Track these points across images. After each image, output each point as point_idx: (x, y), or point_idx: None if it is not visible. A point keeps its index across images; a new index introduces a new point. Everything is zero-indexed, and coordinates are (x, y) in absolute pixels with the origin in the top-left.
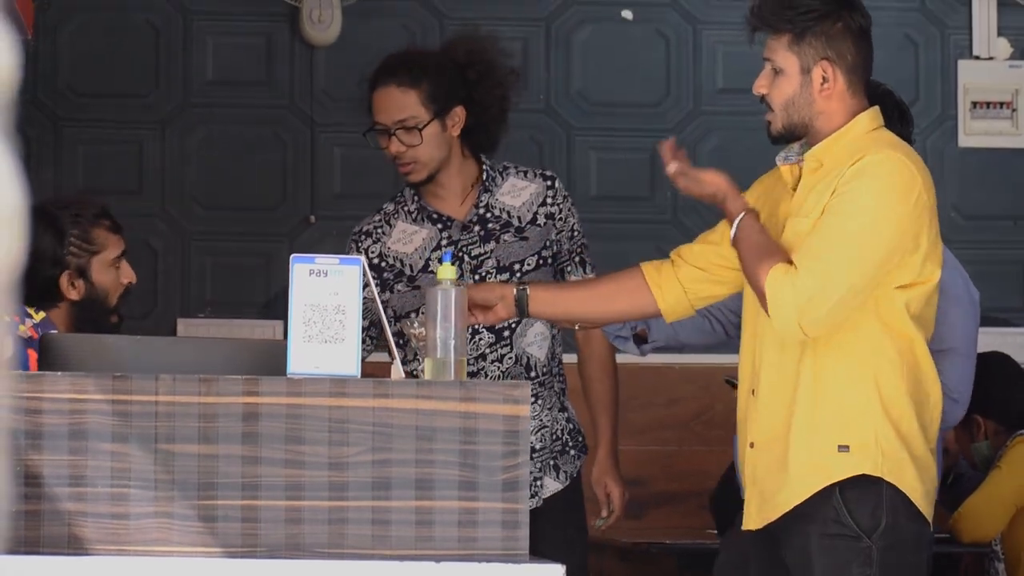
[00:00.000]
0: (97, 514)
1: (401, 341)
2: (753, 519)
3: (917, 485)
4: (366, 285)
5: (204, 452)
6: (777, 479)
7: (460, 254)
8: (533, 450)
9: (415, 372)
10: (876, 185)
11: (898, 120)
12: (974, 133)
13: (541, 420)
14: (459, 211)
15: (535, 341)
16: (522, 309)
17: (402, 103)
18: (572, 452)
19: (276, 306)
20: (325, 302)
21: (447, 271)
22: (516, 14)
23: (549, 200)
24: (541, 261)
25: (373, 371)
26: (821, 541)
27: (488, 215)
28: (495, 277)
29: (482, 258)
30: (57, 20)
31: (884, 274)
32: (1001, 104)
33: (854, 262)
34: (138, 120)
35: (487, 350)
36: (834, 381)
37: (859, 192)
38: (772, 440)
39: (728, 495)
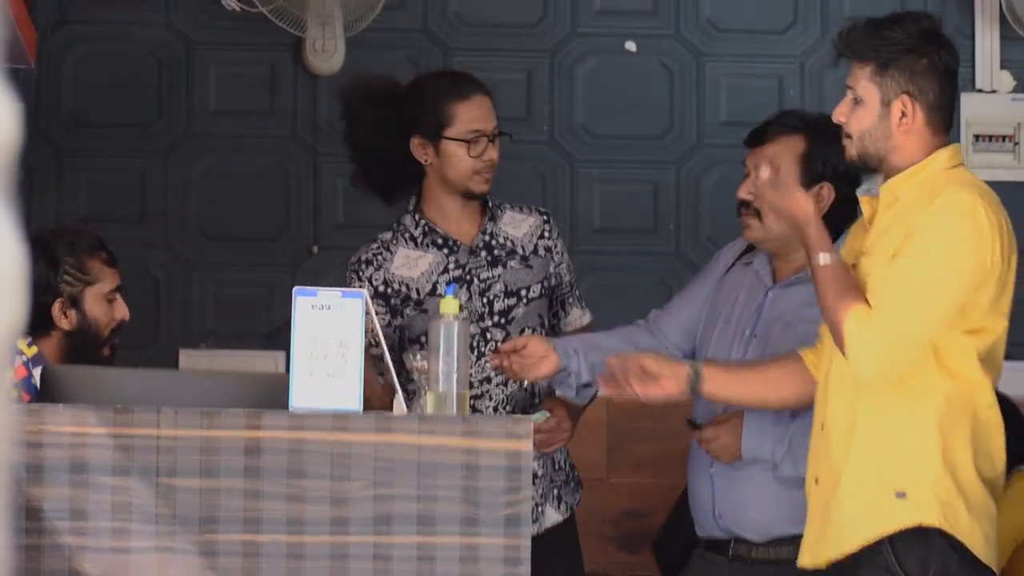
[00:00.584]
0: (98, 548)
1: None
2: (807, 557)
3: (975, 531)
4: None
5: (206, 486)
6: (835, 520)
7: (468, 277)
8: (535, 476)
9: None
10: (949, 231)
11: None
12: (976, 166)
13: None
14: (465, 236)
15: None
16: (694, 388)
17: (494, 113)
18: (572, 484)
19: (278, 336)
20: (327, 336)
21: (450, 304)
22: (520, 46)
23: (546, 234)
24: (544, 290)
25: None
26: None
27: (493, 242)
28: (503, 301)
29: (490, 282)
30: (60, 49)
31: (953, 318)
32: (1003, 137)
33: (928, 307)
34: (141, 149)
35: (492, 373)
36: (894, 424)
37: (933, 236)
38: (834, 478)
39: (674, 535)
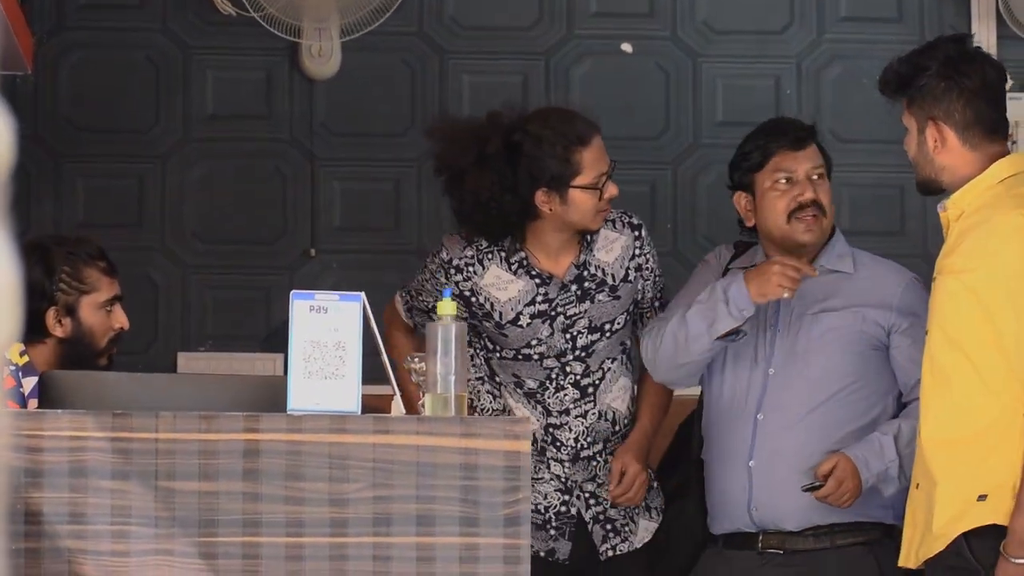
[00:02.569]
0: (98, 552)
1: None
2: (911, 558)
3: None
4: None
5: (205, 489)
6: (932, 523)
7: (554, 313)
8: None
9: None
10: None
11: None
12: None
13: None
14: (558, 267)
15: (619, 395)
16: None
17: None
18: (655, 485)
19: (277, 339)
20: (325, 338)
21: (447, 307)
22: (515, 48)
23: (637, 251)
24: (629, 318)
25: (377, 403)
26: (941, 574)
27: (585, 273)
28: (586, 337)
29: (575, 318)
30: (57, 54)
31: None
32: None
33: None
34: (138, 155)
35: (571, 405)
36: (979, 432)
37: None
38: (930, 485)
39: (677, 463)
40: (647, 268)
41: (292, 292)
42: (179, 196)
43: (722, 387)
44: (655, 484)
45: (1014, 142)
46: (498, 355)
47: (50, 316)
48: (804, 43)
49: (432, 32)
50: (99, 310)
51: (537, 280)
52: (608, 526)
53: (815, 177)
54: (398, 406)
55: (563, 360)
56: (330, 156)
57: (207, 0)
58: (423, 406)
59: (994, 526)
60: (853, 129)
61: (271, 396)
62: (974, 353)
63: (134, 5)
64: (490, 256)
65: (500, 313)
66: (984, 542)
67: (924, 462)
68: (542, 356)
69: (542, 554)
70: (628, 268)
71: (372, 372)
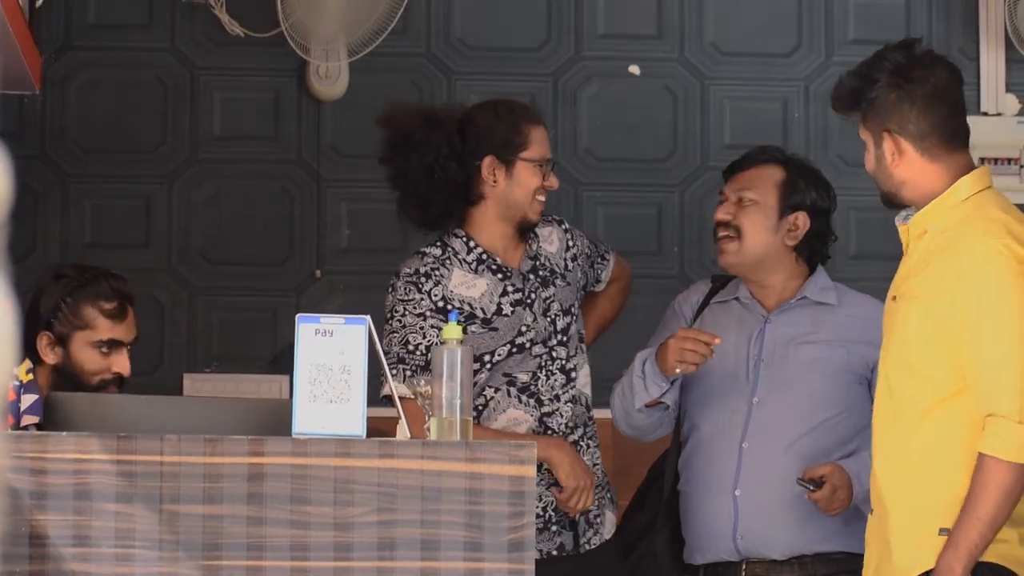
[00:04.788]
0: (101, 575)
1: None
2: None
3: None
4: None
5: (209, 512)
6: (887, 555)
7: (530, 299)
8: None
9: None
10: (1003, 296)
11: None
12: None
13: (592, 458)
14: (513, 261)
15: (586, 381)
16: None
17: None
18: (608, 481)
19: (283, 361)
20: (331, 362)
21: (453, 331)
22: (524, 69)
23: (570, 243)
24: (578, 304)
25: (380, 425)
26: None
27: (537, 263)
28: (562, 320)
29: (549, 301)
30: (65, 75)
31: None
32: (1009, 160)
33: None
34: (145, 175)
35: (560, 391)
36: (936, 462)
37: (997, 311)
38: (884, 515)
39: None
40: (581, 254)
41: (298, 316)
42: (186, 217)
43: (705, 419)
44: (605, 477)
45: (1022, 166)
46: (488, 366)
47: (42, 341)
48: (812, 66)
49: (439, 53)
50: (92, 349)
51: (500, 275)
52: (585, 519)
53: (741, 200)
54: (403, 430)
55: (549, 345)
56: (337, 177)
57: (215, 20)
58: (428, 430)
59: None
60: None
61: (276, 419)
62: (934, 382)
63: (142, 25)
64: (448, 262)
65: (482, 309)
66: None
67: (877, 489)
68: (532, 343)
69: (554, 552)
70: (566, 259)
71: (375, 394)
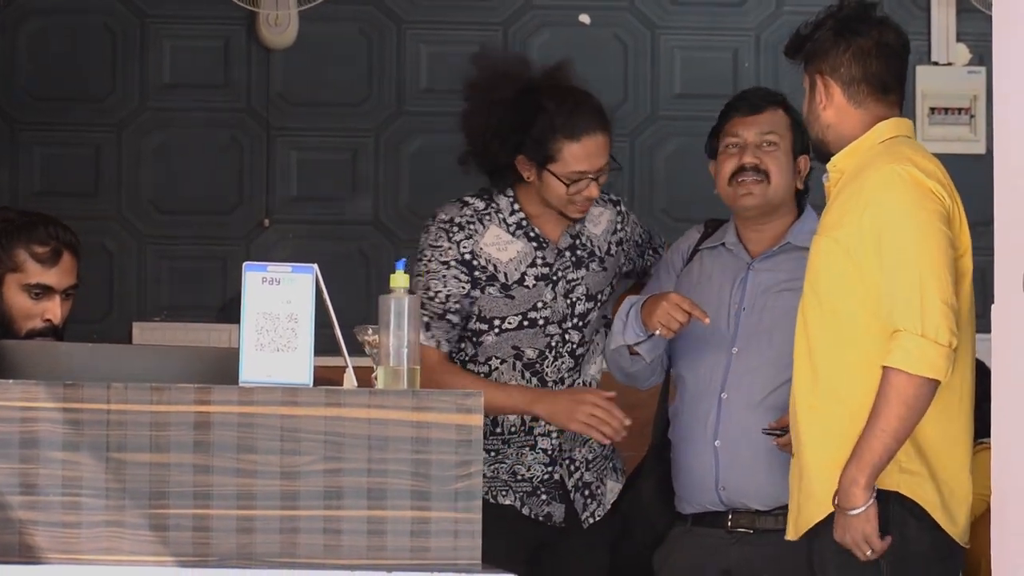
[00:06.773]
0: (48, 523)
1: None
2: (791, 530)
3: (934, 498)
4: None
5: (155, 461)
6: (807, 492)
7: (556, 277)
8: (589, 461)
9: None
10: (902, 213)
11: None
12: (932, 139)
13: (597, 447)
14: (553, 234)
15: (596, 370)
16: None
17: (606, 149)
18: (615, 449)
19: (232, 310)
20: (277, 310)
21: (400, 279)
22: (474, 19)
23: (619, 226)
24: (611, 290)
25: (329, 375)
26: (836, 558)
27: (577, 242)
28: (584, 304)
29: (574, 284)
30: (14, 23)
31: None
32: (959, 110)
33: (940, 285)
34: (95, 123)
35: (566, 374)
36: (850, 395)
37: (899, 228)
38: (801, 453)
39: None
40: (628, 241)
41: (244, 264)
42: (135, 165)
43: (688, 368)
44: (613, 446)
45: (972, 116)
46: (496, 331)
47: None
48: (763, 15)
49: (389, 2)
50: (22, 292)
51: (535, 243)
52: (586, 491)
53: (765, 144)
54: (350, 379)
55: (564, 327)
56: (287, 126)
57: None
58: (375, 378)
59: (879, 493)
60: None
61: (224, 368)
62: (843, 313)
63: None
64: (488, 217)
65: (505, 274)
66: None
67: (795, 426)
68: (546, 321)
69: (540, 518)
70: (611, 242)
71: (324, 344)
